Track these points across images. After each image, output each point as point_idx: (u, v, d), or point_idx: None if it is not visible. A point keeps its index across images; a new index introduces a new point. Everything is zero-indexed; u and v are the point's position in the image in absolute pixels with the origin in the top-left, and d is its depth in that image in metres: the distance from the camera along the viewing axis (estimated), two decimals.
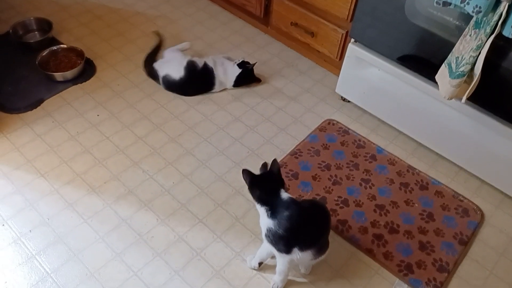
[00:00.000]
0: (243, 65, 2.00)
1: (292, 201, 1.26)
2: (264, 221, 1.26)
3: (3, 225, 1.49)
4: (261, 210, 1.26)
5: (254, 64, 2.02)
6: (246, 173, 1.26)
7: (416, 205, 1.66)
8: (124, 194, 1.62)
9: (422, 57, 1.61)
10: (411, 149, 1.86)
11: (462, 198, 1.68)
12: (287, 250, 1.25)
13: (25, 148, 1.72)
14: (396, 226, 1.59)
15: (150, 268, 1.43)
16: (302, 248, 1.25)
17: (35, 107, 1.87)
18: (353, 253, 1.52)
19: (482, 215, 1.64)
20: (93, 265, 1.42)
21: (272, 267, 1.40)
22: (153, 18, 2.37)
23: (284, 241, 1.23)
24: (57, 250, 1.44)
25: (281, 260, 1.31)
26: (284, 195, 1.26)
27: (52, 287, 1.36)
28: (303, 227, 1.24)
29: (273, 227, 1.23)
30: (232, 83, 2.01)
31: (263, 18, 2.24)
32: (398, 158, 1.81)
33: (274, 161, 1.28)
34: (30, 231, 1.49)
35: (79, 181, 1.64)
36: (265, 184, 1.27)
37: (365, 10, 1.68)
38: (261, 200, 1.26)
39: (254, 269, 1.44)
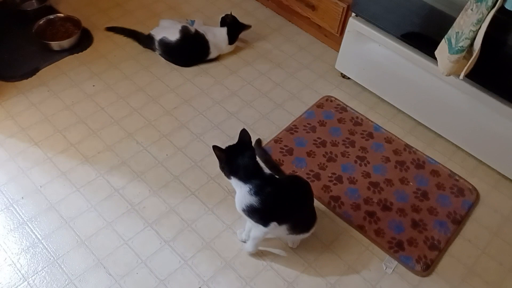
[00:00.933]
0: (224, 21, 2.03)
1: (273, 177, 1.25)
2: (245, 198, 1.22)
3: None
4: (243, 188, 1.22)
5: (230, 14, 2.04)
6: (218, 149, 1.21)
7: (411, 183, 1.64)
8: (117, 164, 1.61)
9: (423, 33, 1.58)
10: (409, 128, 1.83)
11: (458, 178, 1.66)
12: (264, 223, 1.25)
13: (19, 116, 1.72)
14: (389, 204, 1.58)
15: (141, 237, 1.43)
16: (280, 223, 1.25)
17: (31, 76, 1.86)
18: (344, 229, 1.51)
19: (478, 195, 1.63)
20: (84, 233, 1.43)
21: (263, 241, 1.39)
22: None
23: (262, 215, 1.23)
24: (48, 218, 1.45)
25: (257, 229, 1.30)
26: (266, 171, 1.24)
27: (43, 252, 1.37)
28: (283, 203, 1.24)
29: (255, 204, 1.21)
30: (227, 41, 2.00)
31: None
32: (396, 136, 1.79)
33: (243, 131, 1.24)
34: (22, 198, 1.49)
35: (72, 150, 1.64)
36: (244, 161, 1.21)
37: None
38: (243, 179, 1.21)
39: (244, 242, 1.44)
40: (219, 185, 1.59)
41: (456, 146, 1.75)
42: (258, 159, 1.26)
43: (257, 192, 1.20)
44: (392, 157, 1.72)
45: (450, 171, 1.68)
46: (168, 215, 1.50)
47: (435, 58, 1.49)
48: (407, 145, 1.76)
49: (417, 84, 1.70)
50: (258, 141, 1.72)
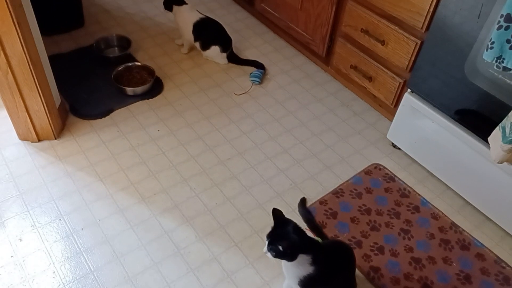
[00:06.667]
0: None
1: (327, 245, 1.30)
2: (303, 268, 1.23)
3: (60, 219, 1.64)
4: (303, 259, 1.22)
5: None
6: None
7: (454, 264, 1.62)
8: (170, 207, 1.72)
9: (478, 116, 1.60)
10: (458, 206, 1.82)
11: (504, 265, 1.62)
12: None
13: (89, 152, 1.89)
14: (430, 283, 1.56)
15: (182, 282, 1.51)
16: None
17: (105, 116, 2.05)
18: None
19: None
20: (132, 270, 1.52)
21: None
22: None
23: (318, 283, 1.27)
24: (102, 250, 1.57)
25: None
26: (320, 240, 1.30)
27: (93, 284, 1.48)
28: (329, 271, 1.28)
29: (312, 273, 1.23)
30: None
31: (325, 57, 2.32)
32: (443, 213, 1.78)
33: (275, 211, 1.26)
34: (82, 229, 1.62)
35: (132, 189, 1.77)
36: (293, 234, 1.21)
37: (425, 63, 1.70)
38: (305, 251, 1.21)
39: None
40: (262, 240, 1.65)
41: (505, 231, 1.71)
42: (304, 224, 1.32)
43: (315, 261, 1.22)
44: (437, 234, 1.71)
45: (497, 257, 1.65)
46: (210, 263, 1.57)
47: (488, 143, 1.51)
48: (453, 224, 1.75)
49: (468, 165, 1.71)
50: (303, 200, 1.78)
